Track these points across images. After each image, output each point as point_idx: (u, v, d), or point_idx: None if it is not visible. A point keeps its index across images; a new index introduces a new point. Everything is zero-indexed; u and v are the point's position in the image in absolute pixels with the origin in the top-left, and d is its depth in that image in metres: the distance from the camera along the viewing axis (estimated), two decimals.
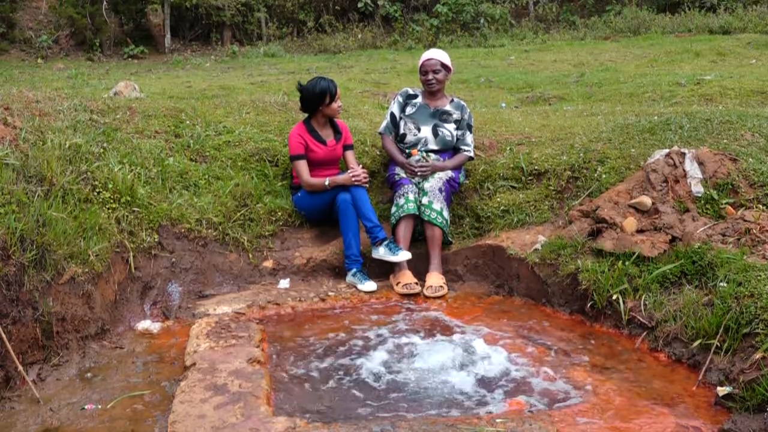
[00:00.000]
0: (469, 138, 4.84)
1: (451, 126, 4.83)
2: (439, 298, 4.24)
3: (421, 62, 4.87)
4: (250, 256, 4.47)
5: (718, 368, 3.05)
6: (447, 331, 3.74)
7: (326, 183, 4.48)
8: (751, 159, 4.14)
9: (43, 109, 4.67)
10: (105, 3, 14.01)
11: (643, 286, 3.64)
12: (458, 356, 3.39)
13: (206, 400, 2.86)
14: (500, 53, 12.70)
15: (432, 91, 4.85)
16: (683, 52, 10.55)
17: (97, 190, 4.06)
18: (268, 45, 14.66)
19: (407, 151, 4.78)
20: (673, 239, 3.79)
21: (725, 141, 4.37)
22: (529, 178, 4.74)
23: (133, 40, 14.33)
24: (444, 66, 4.82)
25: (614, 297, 3.69)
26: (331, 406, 3.00)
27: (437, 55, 4.84)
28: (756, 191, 3.95)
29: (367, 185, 4.54)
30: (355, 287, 4.37)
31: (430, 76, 4.79)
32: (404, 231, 4.47)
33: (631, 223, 3.91)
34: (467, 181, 4.86)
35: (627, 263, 3.73)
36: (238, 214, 4.56)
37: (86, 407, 2.99)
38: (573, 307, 3.97)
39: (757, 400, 2.74)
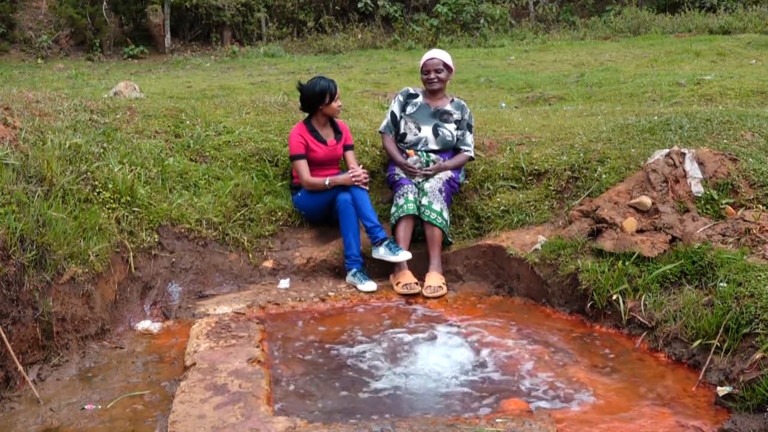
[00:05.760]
0: (469, 138, 4.84)
1: (452, 126, 4.83)
2: (438, 298, 4.24)
3: (423, 61, 4.87)
4: (250, 256, 4.47)
5: (718, 368, 3.05)
6: (447, 331, 3.74)
7: (326, 183, 4.48)
8: (751, 159, 4.14)
9: (43, 109, 4.67)
10: (105, 3, 14.00)
11: (643, 286, 3.64)
12: (458, 356, 3.39)
13: (206, 400, 2.86)
14: (500, 53, 12.69)
15: (433, 91, 4.85)
16: (683, 52, 10.55)
17: (97, 190, 4.06)
18: (268, 45, 14.65)
19: (406, 151, 4.78)
20: (673, 239, 3.79)
21: (725, 141, 4.37)
22: (529, 178, 4.74)
23: (133, 40, 14.33)
24: (446, 66, 4.82)
25: (614, 297, 3.69)
26: (331, 405, 3.00)
27: (439, 54, 4.84)
28: (756, 191, 3.95)
29: (367, 185, 4.54)
30: (355, 287, 4.37)
31: (432, 75, 4.79)
32: (404, 231, 4.47)
33: (631, 223, 3.91)
34: (467, 181, 4.86)
35: (627, 263, 3.73)
36: (238, 214, 4.56)
37: (86, 407, 2.99)
38: (573, 307, 3.97)
39: (757, 400, 2.74)
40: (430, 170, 4.65)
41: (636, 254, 3.74)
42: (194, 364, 3.19)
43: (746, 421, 2.67)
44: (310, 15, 15.74)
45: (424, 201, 4.50)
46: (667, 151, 4.22)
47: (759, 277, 3.22)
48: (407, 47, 14.45)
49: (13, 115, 4.30)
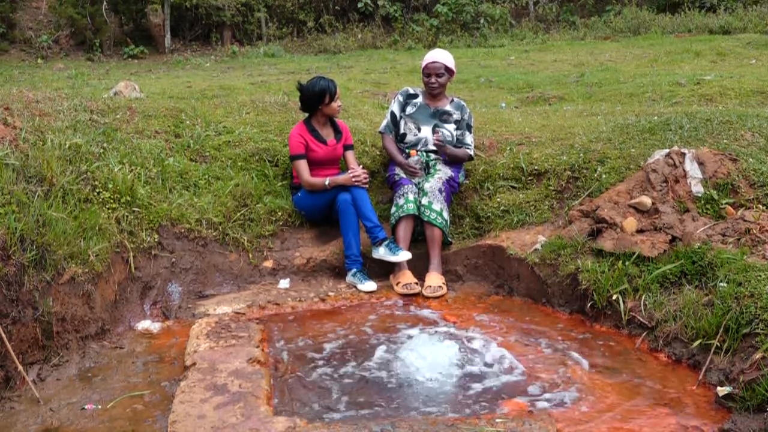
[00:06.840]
0: (468, 138, 4.84)
1: (451, 126, 4.83)
2: (438, 298, 4.24)
3: (424, 64, 4.84)
4: (250, 256, 4.48)
5: (718, 368, 3.05)
6: (446, 331, 3.73)
7: (326, 183, 4.48)
8: (751, 159, 4.15)
9: (43, 109, 4.67)
10: (105, 3, 14.00)
11: (643, 286, 3.64)
12: (458, 356, 3.39)
13: (206, 400, 2.86)
14: (500, 53, 12.69)
15: (433, 93, 4.85)
16: (683, 52, 10.55)
17: (97, 190, 4.06)
18: (268, 45, 14.64)
19: (406, 151, 4.78)
20: (673, 239, 3.79)
21: (725, 141, 4.37)
22: (529, 178, 4.74)
23: (133, 40, 14.33)
24: (447, 69, 4.80)
25: (614, 297, 3.69)
26: (330, 405, 3.00)
27: (441, 57, 4.81)
28: (756, 191, 3.95)
29: (367, 185, 4.54)
30: (355, 287, 4.37)
31: (433, 80, 4.78)
32: (404, 231, 4.48)
33: (631, 223, 3.92)
34: (467, 181, 4.86)
35: (627, 263, 3.73)
36: (238, 214, 4.56)
37: (86, 407, 2.99)
38: (573, 307, 3.97)
39: (757, 400, 2.74)
40: (439, 140, 4.64)
41: (636, 254, 3.74)
42: (194, 364, 3.19)
43: (746, 421, 2.67)
44: (310, 15, 15.74)
45: (424, 201, 4.50)
46: (667, 151, 4.22)
47: (759, 277, 3.22)
48: (407, 47, 14.45)
49: (13, 115, 4.30)
